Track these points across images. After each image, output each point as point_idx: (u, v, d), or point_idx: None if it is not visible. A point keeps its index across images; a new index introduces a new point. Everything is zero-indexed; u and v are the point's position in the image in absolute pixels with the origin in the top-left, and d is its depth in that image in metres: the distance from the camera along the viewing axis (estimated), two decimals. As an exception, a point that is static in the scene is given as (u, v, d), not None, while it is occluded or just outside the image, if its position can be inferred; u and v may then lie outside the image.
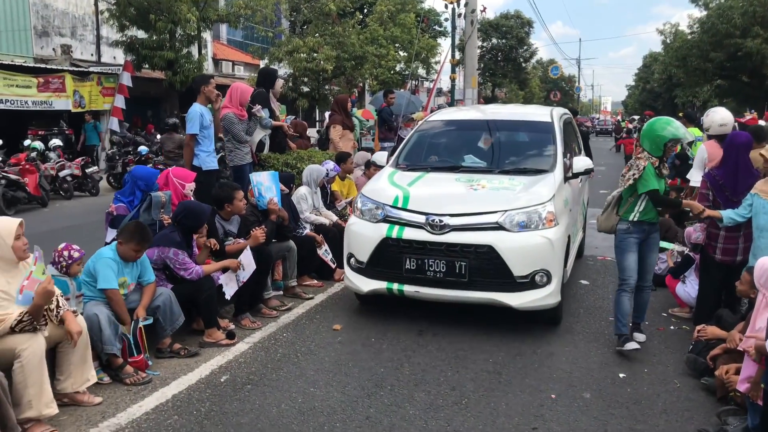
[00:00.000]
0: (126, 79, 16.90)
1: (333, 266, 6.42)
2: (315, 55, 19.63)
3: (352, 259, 5.23)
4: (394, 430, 3.53)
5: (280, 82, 8.18)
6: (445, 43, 34.83)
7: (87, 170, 13.65)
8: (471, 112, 7.90)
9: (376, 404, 3.83)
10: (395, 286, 4.98)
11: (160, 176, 5.42)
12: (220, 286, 4.87)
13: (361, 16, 25.65)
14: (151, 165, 12.30)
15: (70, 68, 17.03)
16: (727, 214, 4.50)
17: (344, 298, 5.92)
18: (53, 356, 3.66)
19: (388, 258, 4.98)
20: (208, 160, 6.45)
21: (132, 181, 5.33)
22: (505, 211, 4.80)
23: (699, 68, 29.96)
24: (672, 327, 5.31)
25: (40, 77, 15.15)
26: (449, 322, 5.20)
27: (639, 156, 4.53)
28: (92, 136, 16.64)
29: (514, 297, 4.74)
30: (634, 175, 4.46)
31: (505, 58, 47.90)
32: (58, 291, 3.67)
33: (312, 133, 16.37)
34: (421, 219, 4.88)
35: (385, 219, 5.06)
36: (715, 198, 4.77)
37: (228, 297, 4.91)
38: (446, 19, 31.10)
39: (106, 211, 5.43)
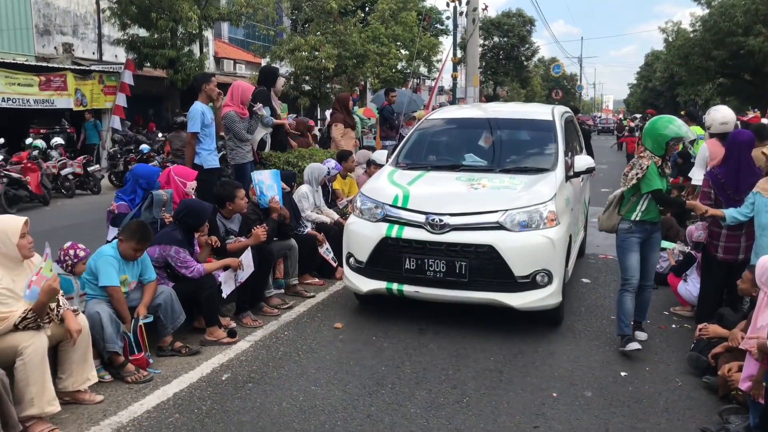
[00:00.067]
0: (127, 78, 16.92)
1: (334, 265, 6.42)
2: (316, 53, 19.61)
3: (351, 259, 5.20)
4: (396, 429, 3.53)
5: (281, 81, 8.18)
6: (446, 42, 34.84)
7: (89, 169, 13.68)
8: (471, 110, 7.86)
9: (378, 402, 3.83)
10: (395, 286, 4.96)
11: (161, 174, 5.42)
12: (221, 284, 4.87)
13: (363, 15, 25.62)
14: (157, 163, 12.35)
15: (72, 67, 17.03)
16: (730, 213, 4.49)
17: (345, 296, 5.92)
18: (55, 355, 3.67)
19: (387, 258, 4.95)
20: (210, 159, 6.46)
21: (133, 179, 5.33)
22: (506, 210, 4.77)
23: (701, 66, 29.87)
24: (674, 325, 5.30)
25: (41, 76, 15.16)
26: (450, 320, 5.20)
27: (642, 155, 4.52)
28: (92, 135, 16.64)
29: (515, 297, 4.71)
30: (637, 174, 4.43)
31: (507, 57, 47.83)
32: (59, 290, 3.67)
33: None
34: (421, 218, 4.86)
35: (385, 218, 5.03)
36: (717, 196, 4.75)
37: (224, 295, 4.91)
38: (448, 18, 31.07)
39: (107, 209, 5.44)
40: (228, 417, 3.64)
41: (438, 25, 36.47)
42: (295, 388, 4.02)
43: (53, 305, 3.51)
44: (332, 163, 7.01)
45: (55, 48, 19.15)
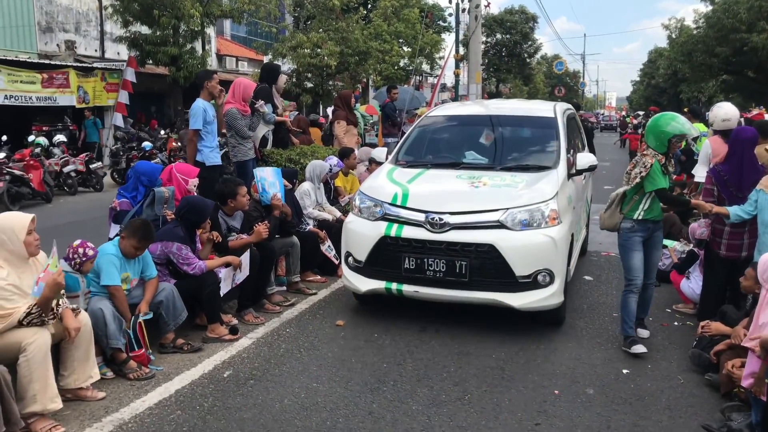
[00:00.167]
0: (130, 75, 16.92)
1: (336, 262, 6.42)
2: (318, 50, 19.57)
3: (350, 258, 5.16)
4: (397, 426, 3.53)
5: (283, 78, 8.18)
6: (449, 39, 34.85)
7: (91, 166, 13.69)
8: (473, 107, 7.83)
9: (379, 400, 3.83)
10: (394, 285, 4.91)
11: (163, 171, 5.43)
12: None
13: (365, 12, 25.57)
14: (159, 160, 12.36)
15: (74, 64, 17.04)
16: (734, 211, 4.47)
17: (347, 294, 5.91)
18: (57, 352, 3.67)
19: (386, 257, 4.90)
20: (212, 156, 6.45)
21: (135, 176, 5.34)
22: (507, 209, 4.71)
23: (704, 63, 29.80)
24: (676, 323, 5.30)
25: (44, 73, 15.18)
26: (452, 318, 5.19)
27: (645, 153, 4.49)
28: (92, 133, 16.63)
29: (516, 297, 4.66)
30: (641, 173, 4.39)
31: (510, 54, 47.81)
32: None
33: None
34: (421, 217, 4.80)
35: (384, 217, 4.97)
36: (720, 194, 4.73)
37: (222, 294, 4.91)
38: (450, 15, 31.08)
39: (109, 206, 5.44)
40: (230, 414, 3.65)
41: (440, 22, 36.43)
42: (297, 385, 4.02)
43: (53, 305, 3.51)
44: (334, 160, 7.01)
45: (57, 45, 19.16)
